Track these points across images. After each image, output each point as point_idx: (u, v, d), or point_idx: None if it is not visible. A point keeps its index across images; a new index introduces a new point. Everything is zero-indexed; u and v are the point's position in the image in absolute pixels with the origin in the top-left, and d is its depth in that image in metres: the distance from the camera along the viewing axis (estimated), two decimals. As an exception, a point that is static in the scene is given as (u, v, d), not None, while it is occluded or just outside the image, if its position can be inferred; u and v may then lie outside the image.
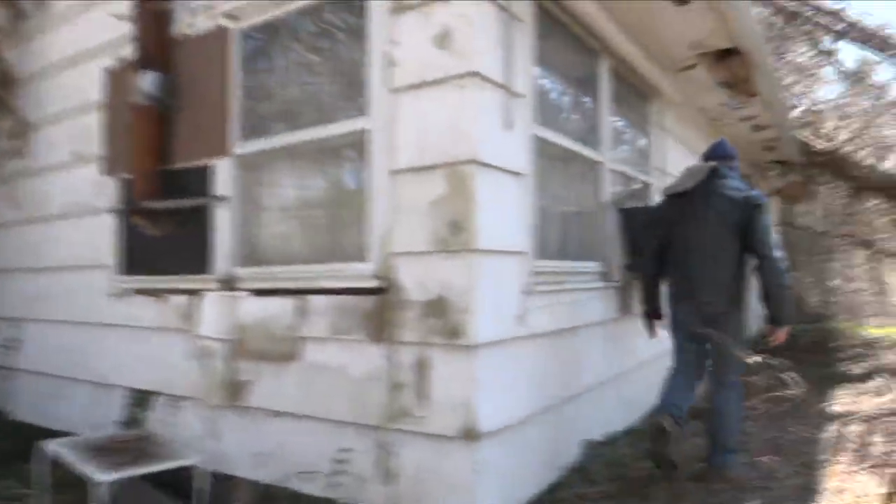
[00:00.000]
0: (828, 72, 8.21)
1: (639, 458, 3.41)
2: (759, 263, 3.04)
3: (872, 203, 8.19)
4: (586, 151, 3.60)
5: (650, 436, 3.11)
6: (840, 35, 7.69)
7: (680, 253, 3.21)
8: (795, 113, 8.63)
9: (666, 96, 4.81)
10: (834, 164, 7.99)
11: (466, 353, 2.40)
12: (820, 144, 8.13)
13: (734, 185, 3.18)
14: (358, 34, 2.75)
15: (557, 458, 3.07)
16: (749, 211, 3.04)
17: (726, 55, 4.27)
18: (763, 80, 4.89)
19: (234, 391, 3.09)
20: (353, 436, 2.67)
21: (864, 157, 8.02)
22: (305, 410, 2.82)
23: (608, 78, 3.88)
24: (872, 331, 9.38)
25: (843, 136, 8.08)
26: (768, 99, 5.45)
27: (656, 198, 4.72)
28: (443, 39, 2.46)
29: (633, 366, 4.09)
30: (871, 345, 8.46)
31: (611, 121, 3.91)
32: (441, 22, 2.46)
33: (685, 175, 3.32)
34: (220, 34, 3.25)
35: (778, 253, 3.04)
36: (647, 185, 4.65)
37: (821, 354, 8.12)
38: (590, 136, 3.74)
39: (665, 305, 3.37)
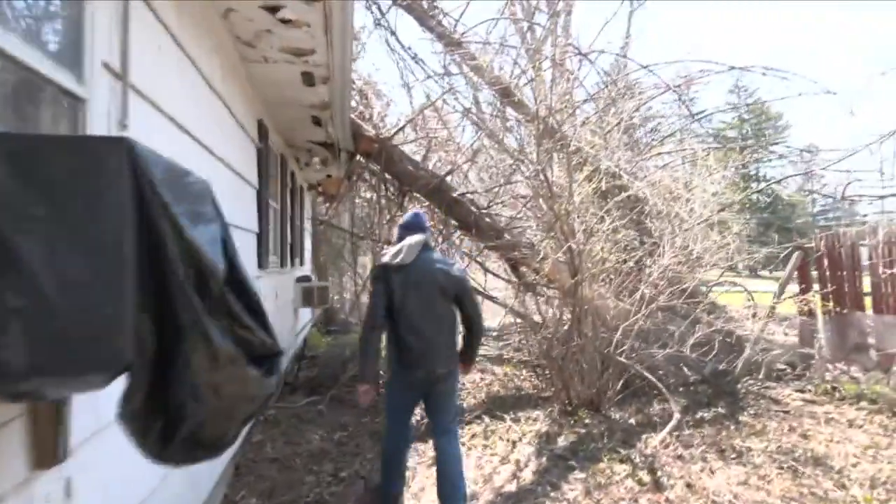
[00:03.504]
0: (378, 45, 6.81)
1: None
2: (469, 324, 3.46)
3: (418, 205, 7.23)
4: None
5: None
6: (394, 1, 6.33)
7: (407, 322, 3.27)
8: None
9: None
10: (379, 156, 6.65)
11: None
12: (367, 131, 6.69)
13: (440, 257, 3.51)
14: None
15: None
16: (463, 284, 3.43)
17: None
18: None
19: None
20: None
21: (413, 152, 6.95)
22: None
23: None
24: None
25: (390, 124, 6.83)
26: (335, 21, 3.30)
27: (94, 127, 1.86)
28: None
29: None
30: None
31: None
32: None
33: (402, 249, 3.33)
34: None
35: (480, 314, 3.51)
36: (74, 101, 1.74)
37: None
38: None
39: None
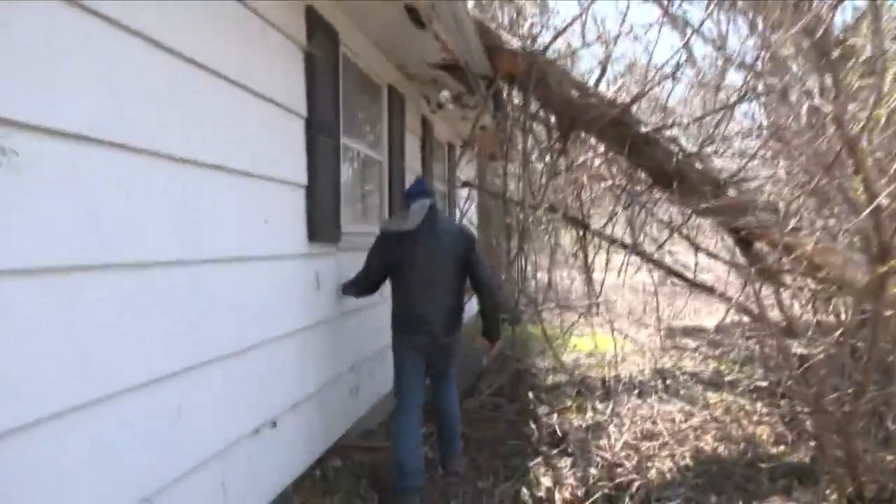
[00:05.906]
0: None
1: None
2: (478, 287, 3.37)
3: (590, 153, 4.97)
4: None
5: None
6: None
7: (411, 286, 3.27)
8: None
9: None
10: (528, 80, 4.51)
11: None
12: (509, 43, 4.60)
13: (448, 219, 4.12)
14: None
15: None
16: (469, 244, 3.37)
17: None
18: None
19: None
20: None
21: (584, 71, 4.71)
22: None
23: None
24: (579, 344, 6.56)
25: (550, 30, 4.65)
26: None
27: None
28: None
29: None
30: (572, 375, 5.48)
31: None
32: None
33: (408, 215, 3.30)
34: None
35: (492, 277, 3.51)
36: None
37: (519, 386, 5.31)
38: None
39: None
